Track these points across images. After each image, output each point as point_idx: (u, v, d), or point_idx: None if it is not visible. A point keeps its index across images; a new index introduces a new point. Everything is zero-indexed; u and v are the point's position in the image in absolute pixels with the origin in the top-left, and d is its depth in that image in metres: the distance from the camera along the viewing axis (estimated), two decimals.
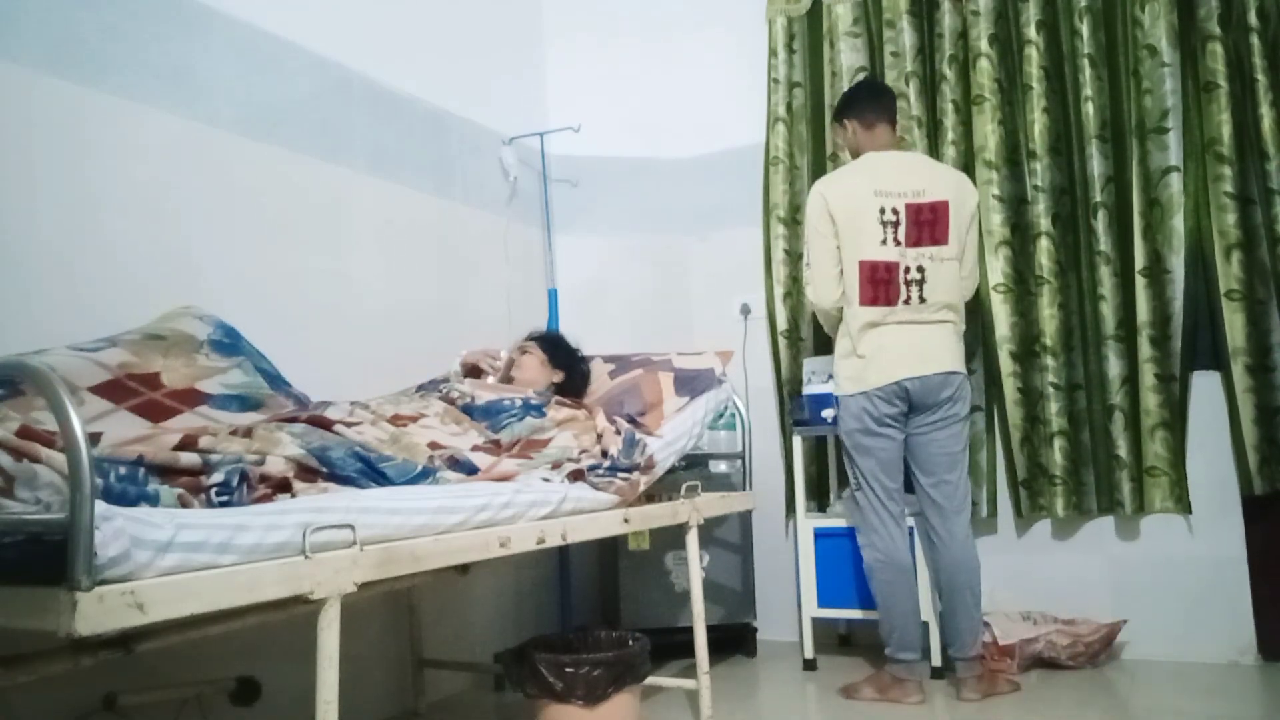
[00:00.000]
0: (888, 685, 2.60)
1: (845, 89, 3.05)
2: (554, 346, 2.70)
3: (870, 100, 2.77)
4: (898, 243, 2.60)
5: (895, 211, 2.60)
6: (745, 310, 3.55)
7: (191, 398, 1.80)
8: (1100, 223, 2.97)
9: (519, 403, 2.27)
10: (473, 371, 2.72)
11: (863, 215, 2.61)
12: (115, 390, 1.66)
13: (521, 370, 2.61)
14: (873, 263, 2.59)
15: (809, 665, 2.99)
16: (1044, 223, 3.03)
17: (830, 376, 2.83)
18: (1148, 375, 2.88)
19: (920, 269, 2.60)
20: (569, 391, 2.59)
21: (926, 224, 2.61)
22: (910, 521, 2.74)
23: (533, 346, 2.68)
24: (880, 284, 2.59)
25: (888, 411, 2.60)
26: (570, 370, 2.66)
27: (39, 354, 1.62)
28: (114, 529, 1.07)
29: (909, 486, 2.72)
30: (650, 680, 2.38)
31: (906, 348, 2.59)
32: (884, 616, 2.64)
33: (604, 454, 2.23)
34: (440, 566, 1.62)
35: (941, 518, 2.63)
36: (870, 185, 2.62)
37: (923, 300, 2.60)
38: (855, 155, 2.78)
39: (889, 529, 2.64)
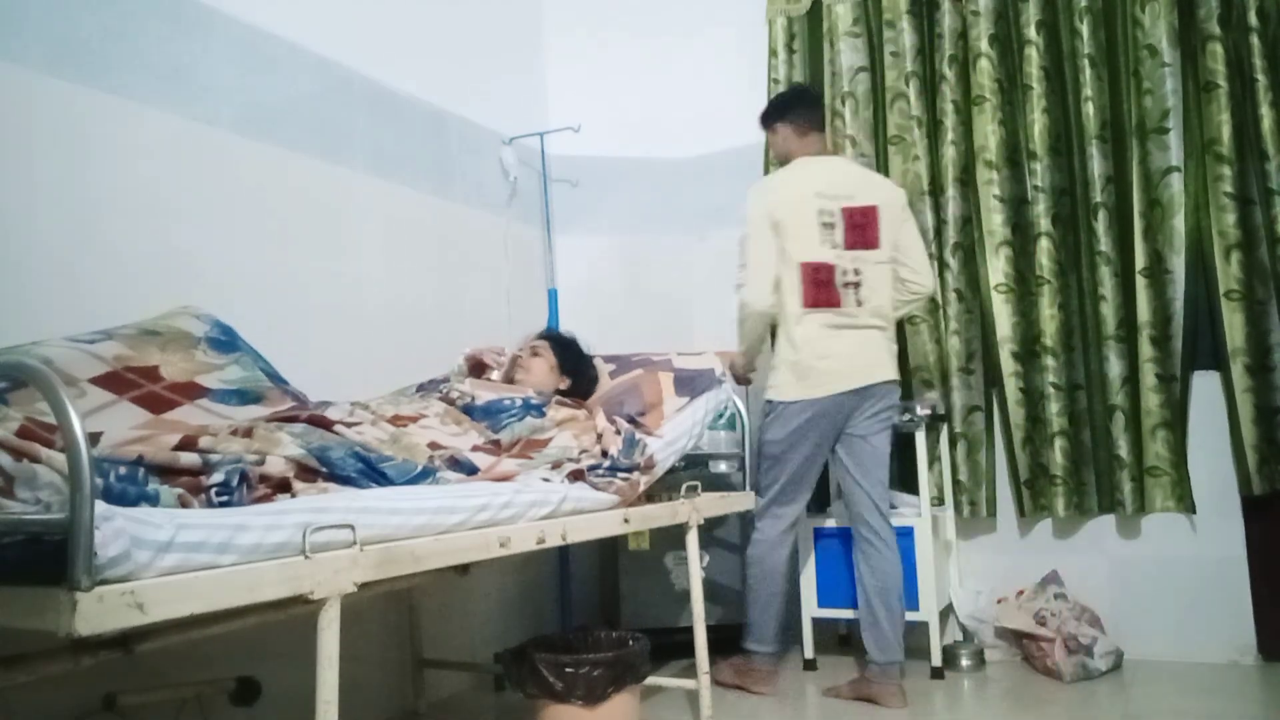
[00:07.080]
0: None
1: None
2: (565, 351, 2.65)
3: (807, 108, 2.82)
4: (834, 245, 2.63)
5: (833, 214, 2.64)
6: None
7: (192, 390, 1.79)
8: (1100, 223, 2.97)
9: (519, 402, 2.27)
10: (477, 367, 2.70)
11: (804, 217, 2.64)
12: (116, 382, 1.66)
13: (529, 373, 2.57)
14: (814, 264, 2.62)
15: (809, 665, 2.99)
16: (1044, 223, 3.03)
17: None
18: (1148, 375, 2.88)
19: (857, 271, 2.64)
20: (572, 395, 2.57)
21: (859, 227, 2.66)
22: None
23: (544, 349, 2.63)
24: (822, 285, 2.62)
25: (825, 426, 2.64)
26: (577, 376, 2.62)
27: (35, 345, 1.62)
28: (114, 529, 1.07)
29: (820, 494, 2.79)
30: (650, 680, 2.38)
31: (850, 356, 2.63)
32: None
33: (604, 454, 2.22)
34: (440, 566, 1.62)
35: (880, 519, 2.65)
36: (810, 188, 2.66)
37: (859, 304, 2.64)
38: (784, 161, 2.81)
39: (782, 529, 2.74)
